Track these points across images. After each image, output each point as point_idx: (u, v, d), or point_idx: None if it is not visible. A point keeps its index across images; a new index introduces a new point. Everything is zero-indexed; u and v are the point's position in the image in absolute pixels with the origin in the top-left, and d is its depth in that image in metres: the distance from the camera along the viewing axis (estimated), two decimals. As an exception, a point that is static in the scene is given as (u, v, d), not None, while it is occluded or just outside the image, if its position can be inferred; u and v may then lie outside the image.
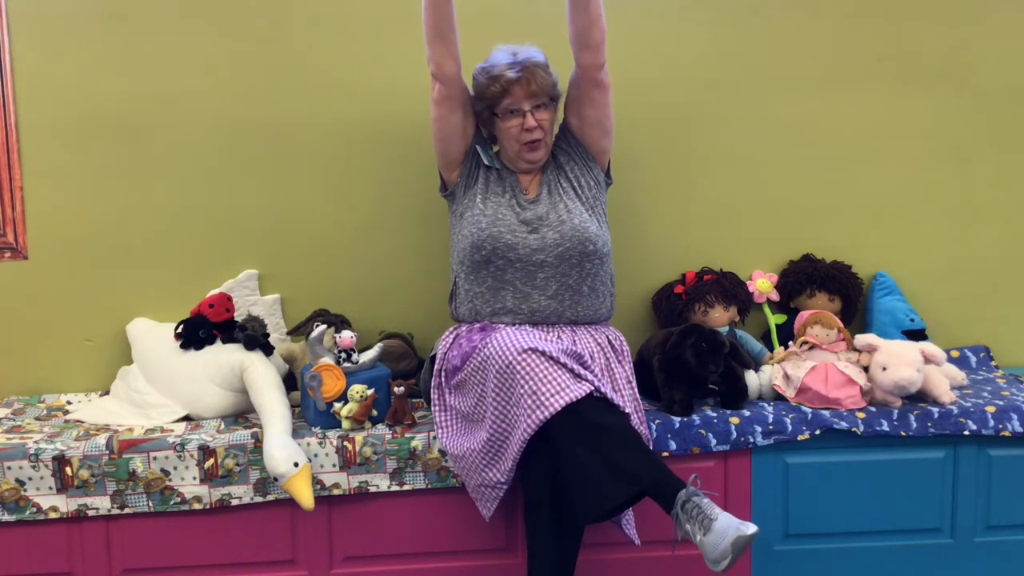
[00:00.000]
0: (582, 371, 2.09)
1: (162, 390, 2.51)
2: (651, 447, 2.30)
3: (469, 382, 2.23)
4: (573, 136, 2.45)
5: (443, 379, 2.34)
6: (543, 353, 2.07)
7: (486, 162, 2.44)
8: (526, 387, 2.04)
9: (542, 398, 2.01)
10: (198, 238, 2.75)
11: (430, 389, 2.38)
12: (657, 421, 2.37)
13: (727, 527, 1.85)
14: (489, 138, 2.50)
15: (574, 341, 2.31)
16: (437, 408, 2.33)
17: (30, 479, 2.24)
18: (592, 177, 2.45)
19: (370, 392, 2.34)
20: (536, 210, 2.39)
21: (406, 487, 2.31)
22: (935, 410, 2.43)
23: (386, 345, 2.55)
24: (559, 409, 1.99)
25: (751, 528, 1.85)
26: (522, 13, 2.73)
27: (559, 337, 2.31)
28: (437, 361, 2.37)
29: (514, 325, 2.32)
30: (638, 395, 2.35)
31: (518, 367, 2.06)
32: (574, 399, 2.00)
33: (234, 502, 2.29)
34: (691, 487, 1.95)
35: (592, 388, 2.06)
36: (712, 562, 1.87)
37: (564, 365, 2.07)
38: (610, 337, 2.40)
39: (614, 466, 1.96)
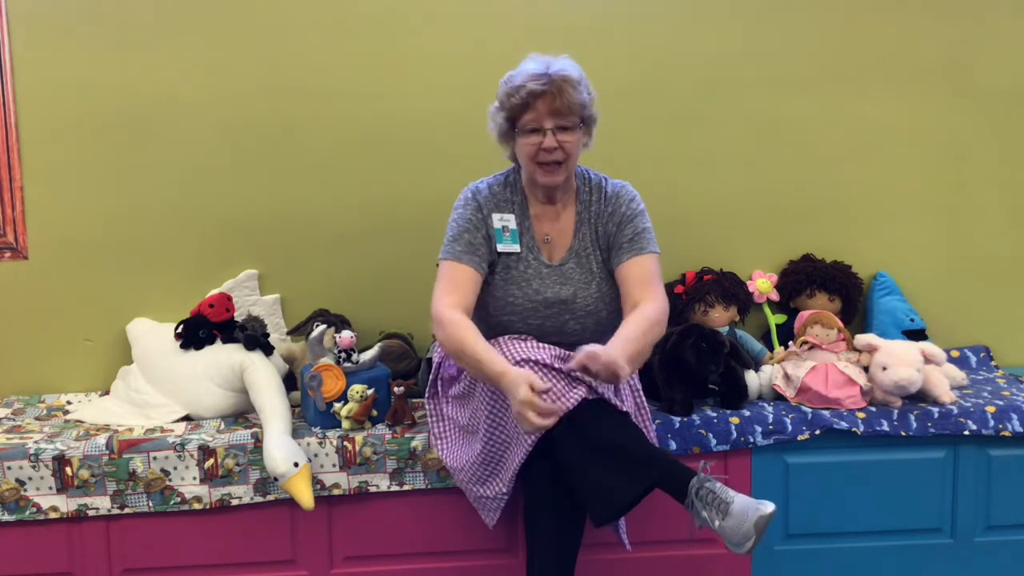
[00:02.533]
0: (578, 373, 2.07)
1: (162, 390, 2.51)
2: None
3: (465, 393, 2.21)
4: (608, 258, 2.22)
5: (439, 388, 2.30)
6: (537, 362, 2.04)
7: (515, 248, 2.19)
8: None
9: None
10: (198, 238, 2.75)
11: (426, 398, 2.35)
12: (657, 421, 2.37)
13: (746, 508, 1.83)
14: (510, 157, 2.28)
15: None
16: (434, 419, 2.29)
17: (30, 479, 2.24)
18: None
19: (370, 392, 2.34)
20: (560, 290, 2.17)
21: (406, 487, 2.31)
22: (935, 410, 2.43)
23: (386, 345, 2.55)
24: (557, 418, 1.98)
25: (770, 506, 1.83)
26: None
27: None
28: (433, 370, 2.33)
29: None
30: (644, 402, 2.32)
31: None
32: (571, 406, 1.99)
33: (234, 502, 2.29)
34: (702, 473, 1.93)
35: (587, 391, 2.04)
36: (735, 545, 1.85)
37: (559, 371, 2.05)
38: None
39: (620, 465, 1.95)
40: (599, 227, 2.21)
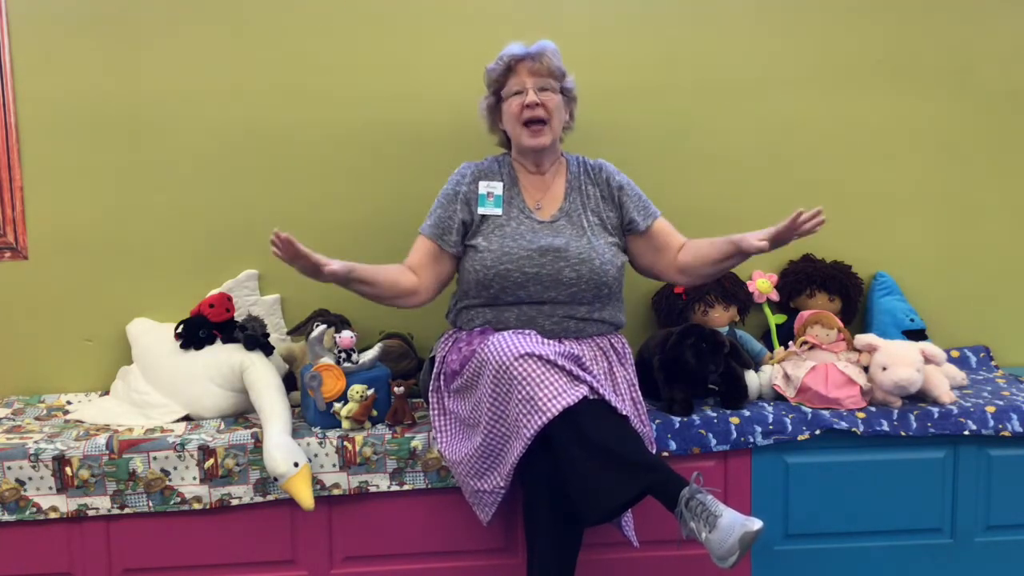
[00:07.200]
0: (580, 372, 2.08)
1: (162, 390, 2.51)
2: (654, 449, 2.29)
3: (467, 386, 2.22)
4: (619, 211, 2.40)
5: (442, 383, 2.32)
6: (540, 357, 2.05)
7: (496, 211, 2.33)
8: (523, 392, 2.02)
9: (539, 403, 2.00)
10: (198, 238, 2.75)
11: (429, 392, 2.37)
12: (657, 421, 2.37)
13: (733, 523, 1.84)
14: (502, 142, 2.47)
15: (576, 343, 2.29)
16: (436, 412, 2.31)
17: (30, 479, 2.24)
18: (620, 216, 2.40)
19: (370, 392, 2.34)
20: (553, 239, 2.28)
21: (406, 487, 2.31)
22: (935, 410, 2.43)
23: (386, 345, 2.55)
24: (556, 414, 1.98)
25: (757, 523, 1.84)
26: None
27: (560, 340, 2.29)
28: (436, 364, 2.35)
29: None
30: (640, 397, 2.34)
31: (515, 372, 2.04)
32: (571, 403, 1.99)
33: (234, 502, 2.29)
34: (694, 484, 1.94)
35: (589, 390, 2.05)
36: (719, 559, 1.86)
37: (562, 368, 2.06)
38: (611, 340, 2.38)
39: (614, 467, 1.96)
40: (588, 192, 2.38)
